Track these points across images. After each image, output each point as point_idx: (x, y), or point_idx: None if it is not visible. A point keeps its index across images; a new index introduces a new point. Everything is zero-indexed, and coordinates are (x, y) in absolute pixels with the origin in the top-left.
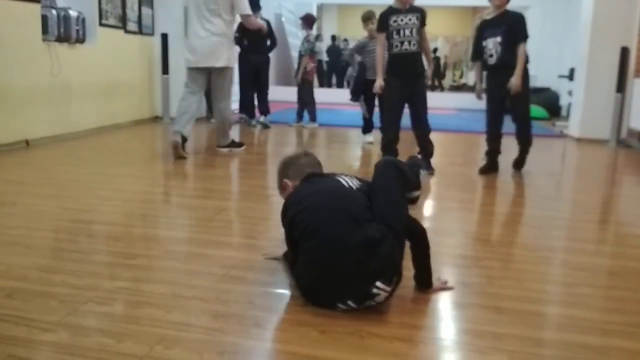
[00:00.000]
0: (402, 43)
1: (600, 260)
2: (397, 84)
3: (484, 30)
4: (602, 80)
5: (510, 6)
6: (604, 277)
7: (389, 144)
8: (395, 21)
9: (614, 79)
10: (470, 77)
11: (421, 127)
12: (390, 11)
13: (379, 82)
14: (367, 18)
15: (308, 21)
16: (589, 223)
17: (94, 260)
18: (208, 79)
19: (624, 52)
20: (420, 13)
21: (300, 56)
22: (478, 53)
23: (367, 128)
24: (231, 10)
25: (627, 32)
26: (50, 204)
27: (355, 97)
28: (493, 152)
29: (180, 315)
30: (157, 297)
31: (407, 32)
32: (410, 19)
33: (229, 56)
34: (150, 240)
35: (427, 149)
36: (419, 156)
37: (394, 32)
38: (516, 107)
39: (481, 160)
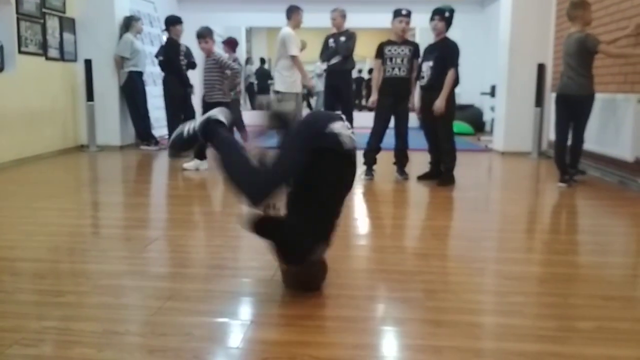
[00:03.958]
0: (392, 69)
1: (530, 269)
2: (386, 102)
3: (424, 54)
4: (522, 95)
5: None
6: (535, 284)
7: (370, 153)
8: (389, 50)
9: (533, 94)
10: None
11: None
12: (386, 42)
13: (373, 98)
14: (204, 34)
15: (231, 44)
16: (517, 233)
17: (18, 299)
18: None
19: (541, 69)
20: (414, 46)
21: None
22: (417, 74)
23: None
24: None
25: (542, 50)
26: None
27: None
28: (434, 162)
29: (113, 354)
30: (88, 335)
31: (399, 60)
32: (402, 50)
33: (285, 84)
34: (79, 276)
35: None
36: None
37: (388, 60)
38: (438, 125)
39: (408, 175)
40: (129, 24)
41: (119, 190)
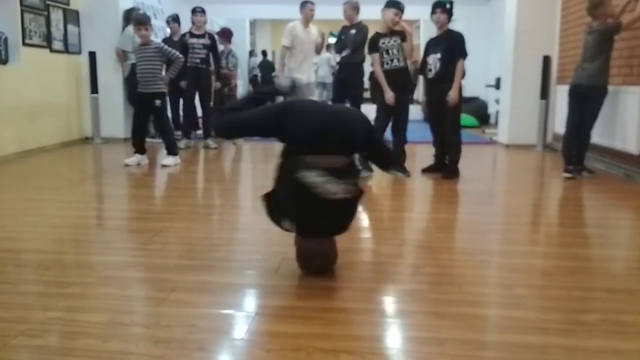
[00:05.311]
0: (392, 60)
1: (534, 261)
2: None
3: (428, 47)
4: (527, 88)
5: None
6: (539, 277)
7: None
8: (383, 43)
9: (538, 86)
10: None
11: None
12: (377, 35)
13: (389, 95)
14: (144, 22)
15: (226, 35)
16: (522, 225)
17: (23, 290)
18: None
19: (546, 61)
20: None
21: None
22: (423, 67)
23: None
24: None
25: (548, 42)
26: None
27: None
28: (438, 154)
29: (118, 344)
30: (93, 326)
31: (395, 51)
32: (395, 40)
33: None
34: (83, 267)
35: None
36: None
37: (384, 52)
38: (447, 117)
39: (412, 167)
40: (129, 16)
41: (123, 182)
